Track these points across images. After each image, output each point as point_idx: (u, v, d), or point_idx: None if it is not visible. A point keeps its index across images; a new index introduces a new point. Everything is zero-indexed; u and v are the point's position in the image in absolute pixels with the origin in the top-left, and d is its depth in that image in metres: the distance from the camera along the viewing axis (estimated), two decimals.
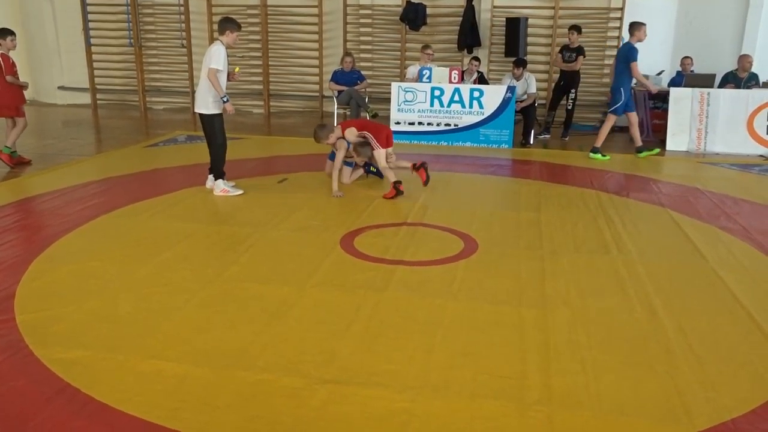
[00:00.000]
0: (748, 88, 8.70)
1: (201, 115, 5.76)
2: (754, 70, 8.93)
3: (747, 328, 3.43)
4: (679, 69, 9.58)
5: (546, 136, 9.37)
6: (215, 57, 5.55)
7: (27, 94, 7.19)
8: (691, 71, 9.37)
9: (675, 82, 9.32)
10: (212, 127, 5.76)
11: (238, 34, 5.78)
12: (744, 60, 8.85)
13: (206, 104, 5.68)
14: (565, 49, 9.16)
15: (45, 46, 11.72)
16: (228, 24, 5.68)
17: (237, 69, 5.97)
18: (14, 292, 3.66)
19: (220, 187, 5.86)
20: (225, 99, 5.62)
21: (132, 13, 11.22)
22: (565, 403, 2.69)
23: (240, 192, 5.87)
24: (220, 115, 5.74)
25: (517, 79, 8.93)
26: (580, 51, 9.01)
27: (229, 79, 5.78)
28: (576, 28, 8.99)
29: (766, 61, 9.51)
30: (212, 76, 5.53)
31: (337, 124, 6.58)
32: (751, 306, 3.70)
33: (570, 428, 2.52)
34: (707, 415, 2.63)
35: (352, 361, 2.99)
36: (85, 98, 11.77)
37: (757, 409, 2.68)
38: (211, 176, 6.01)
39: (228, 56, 5.69)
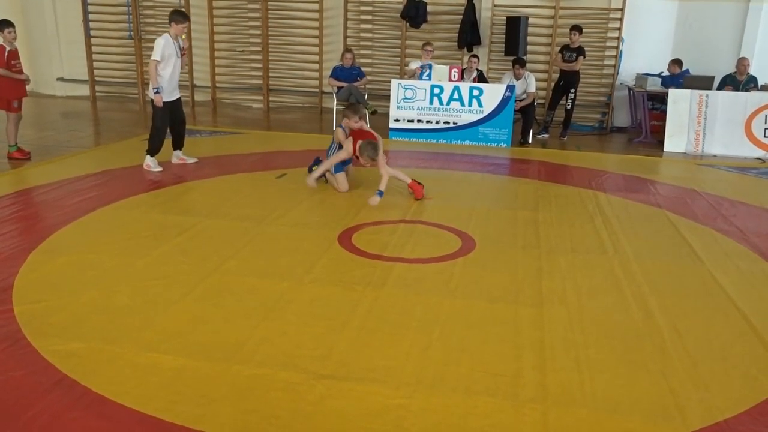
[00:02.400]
0: (747, 90, 8.73)
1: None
2: (752, 73, 8.95)
3: (741, 330, 3.46)
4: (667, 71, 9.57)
5: (544, 135, 9.38)
6: (154, 49, 6.22)
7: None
8: (686, 71, 9.36)
9: (665, 83, 9.32)
10: (154, 111, 6.41)
11: (185, 26, 6.40)
12: (741, 63, 8.88)
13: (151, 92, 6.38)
14: (565, 48, 9.17)
15: (45, 37, 11.68)
16: (172, 16, 6.32)
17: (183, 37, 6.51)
18: (12, 283, 3.67)
19: (146, 162, 6.48)
20: (156, 90, 6.22)
21: (132, 6, 11.19)
22: (560, 400, 2.71)
23: (159, 169, 6.41)
24: (164, 104, 6.33)
25: (517, 78, 8.94)
26: (580, 51, 9.02)
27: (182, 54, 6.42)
28: (577, 29, 9.00)
29: (765, 64, 9.54)
30: (151, 67, 6.22)
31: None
32: (746, 308, 3.73)
33: (564, 426, 2.55)
34: (700, 415, 2.65)
35: (349, 356, 3.01)
36: (84, 90, 11.74)
37: (750, 410, 2.70)
38: (174, 152, 6.74)
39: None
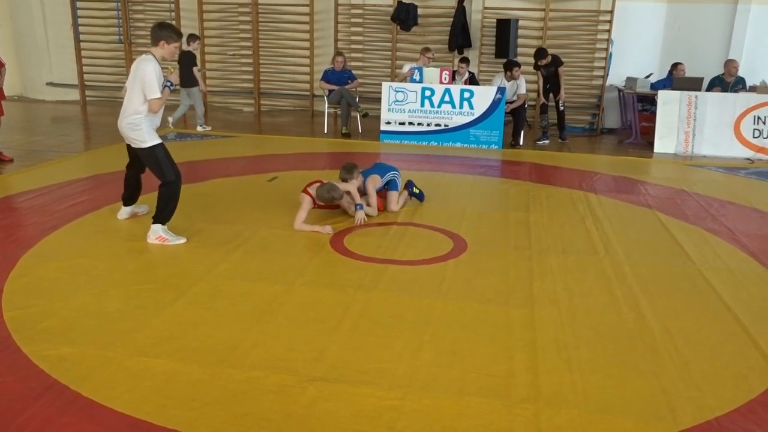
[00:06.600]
0: (735, 92, 8.79)
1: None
2: (740, 74, 9.02)
3: (731, 329, 3.48)
4: (670, 71, 9.60)
5: (545, 141, 9.23)
6: (148, 83, 4.33)
7: (15, 89, 7.01)
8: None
9: (656, 86, 9.36)
10: (160, 163, 4.63)
11: (178, 46, 4.49)
12: (730, 65, 8.93)
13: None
14: (540, 67, 9.09)
15: (34, 42, 11.62)
16: (165, 33, 4.40)
17: (172, 69, 4.79)
18: (2, 289, 3.65)
19: (159, 234, 4.49)
20: (168, 85, 4.53)
21: (122, 9, 11.15)
22: (552, 401, 2.72)
23: (183, 240, 4.53)
24: (161, 145, 4.64)
25: (512, 80, 8.94)
26: (556, 63, 8.98)
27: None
28: (541, 55, 8.88)
29: (753, 66, 9.61)
30: (154, 107, 4.46)
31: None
32: (736, 307, 3.75)
33: (556, 426, 2.55)
34: (691, 413, 2.67)
35: (342, 358, 3.01)
36: (74, 95, 11.67)
37: (740, 408, 2.72)
38: (126, 208, 5.02)
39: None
